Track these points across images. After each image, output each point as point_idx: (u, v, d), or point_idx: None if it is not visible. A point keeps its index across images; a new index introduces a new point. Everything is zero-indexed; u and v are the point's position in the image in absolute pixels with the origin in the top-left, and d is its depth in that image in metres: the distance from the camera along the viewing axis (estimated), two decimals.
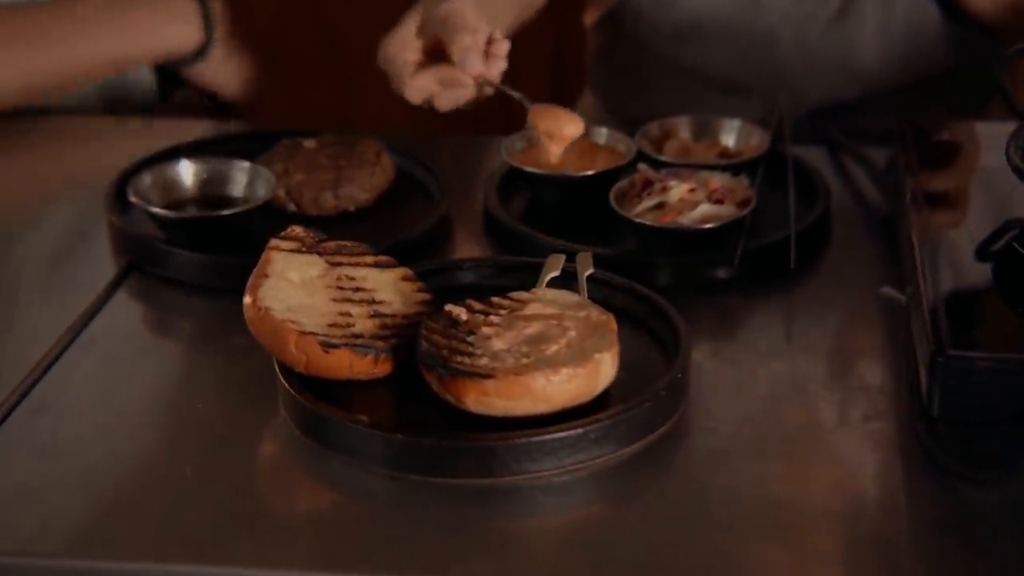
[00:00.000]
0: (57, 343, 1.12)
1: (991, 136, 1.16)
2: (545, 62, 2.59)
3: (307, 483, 1.00)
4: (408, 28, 1.27)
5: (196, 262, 1.20)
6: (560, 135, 1.23)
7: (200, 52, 1.51)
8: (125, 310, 1.19)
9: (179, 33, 1.50)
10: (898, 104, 1.42)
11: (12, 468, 1.00)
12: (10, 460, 1.01)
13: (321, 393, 1.02)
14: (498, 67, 1.22)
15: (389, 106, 2.85)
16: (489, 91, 1.24)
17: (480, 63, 1.20)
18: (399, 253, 1.13)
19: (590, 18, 1.67)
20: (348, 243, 1.11)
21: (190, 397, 1.07)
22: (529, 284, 1.11)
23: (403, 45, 1.26)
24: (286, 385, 1.02)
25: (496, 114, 2.76)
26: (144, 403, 1.08)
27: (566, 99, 1.98)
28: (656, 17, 1.53)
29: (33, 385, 1.07)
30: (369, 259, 1.10)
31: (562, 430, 0.97)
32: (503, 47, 1.22)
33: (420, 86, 1.24)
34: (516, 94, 1.23)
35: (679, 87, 1.53)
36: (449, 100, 1.24)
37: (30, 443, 1.02)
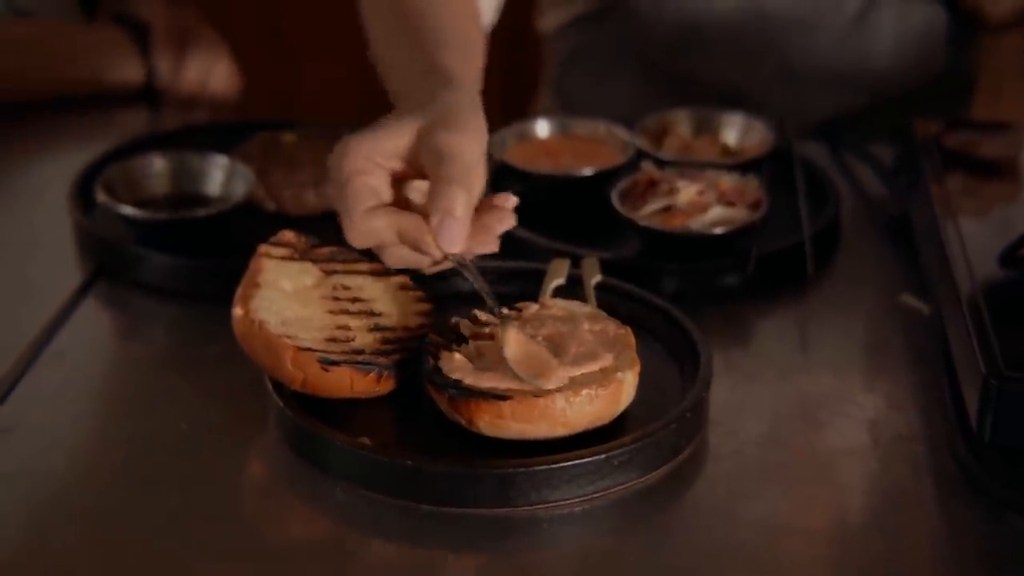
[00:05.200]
0: (22, 357, 1.03)
1: (1019, 138, 1.11)
2: (496, 68, 2.53)
3: (305, 512, 0.92)
4: (383, 140, 0.92)
5: (170, 266, 1.12)
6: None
7: (147, 83, 1.47)
8: (94, 319, 1.11)
9: (122, 68, 1.46)
10: (903, 108, 1.37)
11: None
12: None
13: (317, 412, 0.94)
14: (487, 245, 0.92)
15: (334, 93, 2.77)
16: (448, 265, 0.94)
17: (461, 244, 0.90)
18: None
19: (549, 23, 1.60)
20: (342, 249, 1.03)
21: (171, 416, 0.99)
22: (531, 291, 1.05)
23: (366, 162, 0.91)
24: (281, 404, 0.94)
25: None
26: (121, 422, 1.00)
27: (520, 102, 1.92)
28: (657, 21, 1.46)
29: None
30: (365, 266, 1.02)
31: (584, 456, 0.90)
32: (509, 220, 0.92)
33: (370, 230, 0.91)
34: (489, 298, 0.95)
35: (673, 93, 1.45)
36: (398, 260, 0.94)
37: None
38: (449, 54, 1.01)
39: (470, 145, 0.90)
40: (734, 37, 1.43)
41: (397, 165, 0.92)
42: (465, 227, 0.89)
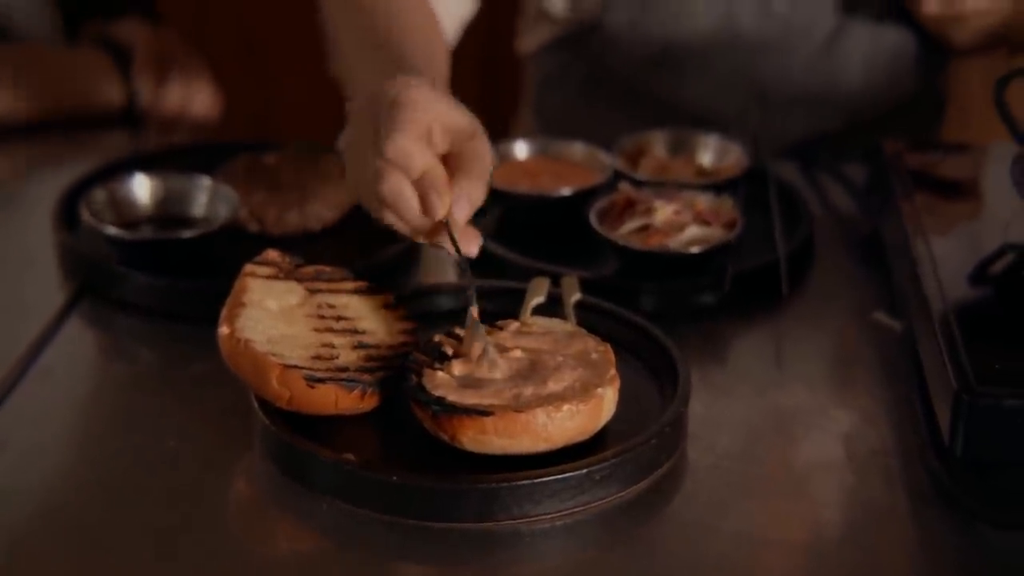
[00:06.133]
0: (8, 375, 1.04)
1: (984, 158, 1.14)
2: (472, 88, 2.55)
3: (291, 528, 0.93)
4: (453, 115, 0.98)
5: (155, 286, 1.13)
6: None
7: (129, 105, 1.49)
8: (79, 337, 1.12)
9: (103, 90, 1.48)
10: (875, 129, 1.40)
11: None
12: None
13: (302, 429, 0.95)
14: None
15: (312, 111, 2.79)
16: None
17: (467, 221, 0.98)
18: (370, 276, 1.07)
19: (528, 44, 1.62)
20: (327, 268, 1.04)
21: (156, 433, 1.00)
22: (511, 309, 1.06)
23: (427, 121, 0.97)
24: (266, 421, 0.95)
25: None
26: (107, 440, 1.00)
27: (496, 124, 1.94)
28: (633, 43, 1.48)
29: None
30: (349, 285, 1.04)
31: (565, 471, 0.91)
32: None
33: (408, 152, 0.95)
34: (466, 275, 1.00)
35: (649, 114, 1.47)
36: (393, 220, 0.98)
37: None
38: (417, 58, 1.06)
39: (487, 147, 0.99)
40: (708, 60, 1.46)
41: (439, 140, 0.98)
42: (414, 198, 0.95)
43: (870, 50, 1.46)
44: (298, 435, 0.94)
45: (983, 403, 0.88)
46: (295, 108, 2.64)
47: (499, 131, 1.78)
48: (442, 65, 1.12)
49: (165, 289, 1.13)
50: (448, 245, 0.97)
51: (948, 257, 1.04)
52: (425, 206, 0.95)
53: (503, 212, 1.25)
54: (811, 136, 1.45)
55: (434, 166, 0.96)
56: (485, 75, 2.49)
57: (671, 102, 1.49)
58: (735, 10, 1.44)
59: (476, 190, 0.98)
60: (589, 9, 1.49)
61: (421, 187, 0.96)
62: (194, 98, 1.51)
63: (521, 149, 1.30)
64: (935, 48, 1.47)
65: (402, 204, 0.95)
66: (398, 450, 0.96)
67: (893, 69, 1.48)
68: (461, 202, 0.97)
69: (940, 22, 1.39)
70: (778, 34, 1.45)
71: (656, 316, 1.08)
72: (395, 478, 0.91)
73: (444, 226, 0.97)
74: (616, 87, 1.51)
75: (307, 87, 2.68)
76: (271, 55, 2.60)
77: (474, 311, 0.98)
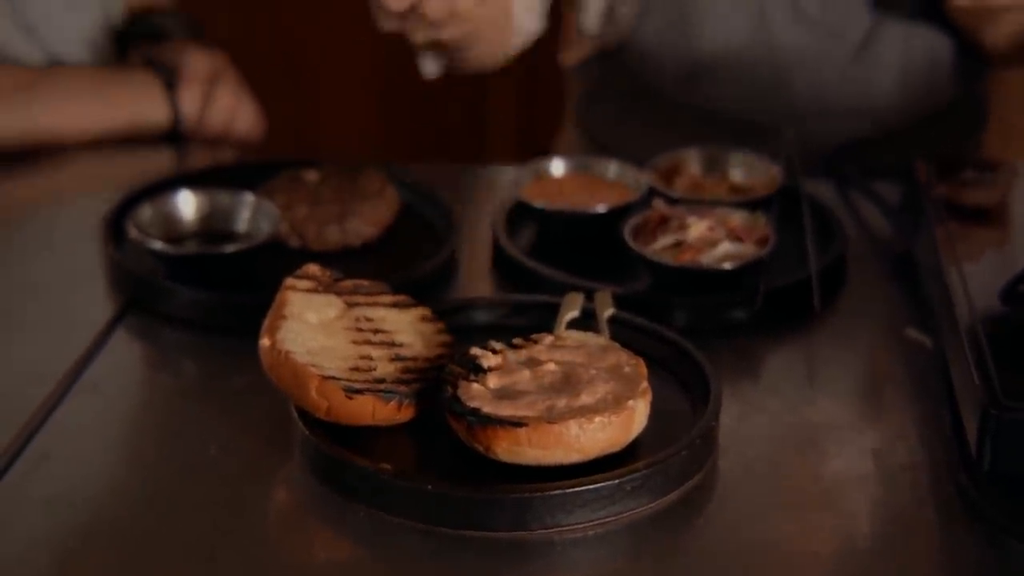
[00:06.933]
0: (57, 387, 1.07)
1: (1017, 179, 1.15)
2: (512, 103, 2.59)
3: (328, 536, 0.96)
4: None
5: (199, 300, 1.16)
6: None
7: (174, 125, 1.53)
8: (126, 351, 1.15)
9: (149, 109, 1.52)
10: (909, 137, 1.41)
11: (18, 520, 0.95)
12: (16, 512, 0.95)
13: (340, 439, 0.98)
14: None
15: (353, 130, 2.82)
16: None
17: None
18: (407, 291, 1.10)
19: (571, 58, 1.65)
20: (365, 282, 1.07)
21: (199, 443, 1.02)
22: (546, 323, 1.09)
23: None
24: (306, 431, 0.98)
25: (471, 141, 2.75)
26: (152, 450, 1.03)
27: (539, 138, 1.96)
28: (666, 57, 1.50)
29: (34, 433, 1.02)
30: (387, 299, 1.06)
31: (597, 481, 0.93)
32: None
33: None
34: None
35: (686, 127, 1.50)
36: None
37: (36, 494, 0.97)
38: None
39: None
40: (742, 71, 1.48)
41: None
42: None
43: (904, 55, 1.47)
44: (336, 445, 0.97)
45: (1010, 417, 0.89)
46: (335, 126, 2.69)
47: (541, 143, 1.81)
48: None
49: (209, 303, 1.16)
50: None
51: (978, 276, 1.05)
52: None
53: (539, 229, 1.28)
54: (846, 146, 1.47)
55: None
56: (527, 89, 2.52)
57: (706, 116, 1.51)
58: (767, 18, 1.46)
59: None
60: (622, 25, 1.51)
61: None
62: (238, 117, 1.54)
63: (557, 167, 1.32)
64: (971, 55, 1.48)
65: None
66: (434, 460, 0.98)
67: (928, 76, 1.49)
68: None
69: (972, 16, 1.39)
70: (810, 40, 1.46)
71: (689, 331, 1.09)
72: (430, 487, 0.93)
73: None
74: (653, 102, 1.53)
75: (347, 107, 2.74)
76: (312, 75, 2.65)
77: None
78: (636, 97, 1.56)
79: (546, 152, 1.46)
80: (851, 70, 1.48)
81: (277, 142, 1.66)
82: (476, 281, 1.25)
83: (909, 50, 1.48)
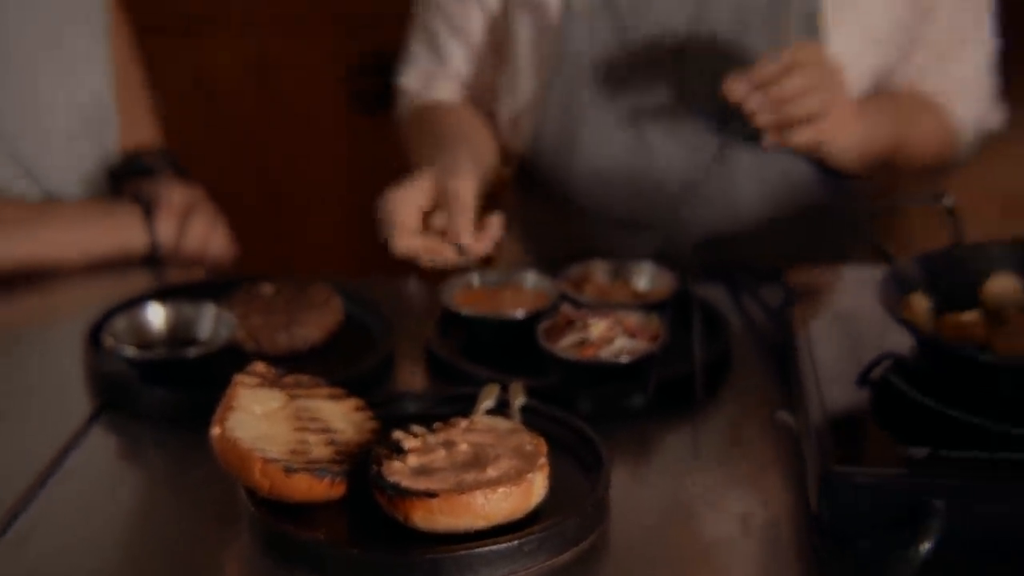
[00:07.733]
0: (39, 476, 1.23)
1: (863, 280, 1.34)
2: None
3: None
4: (413, 192, 1.46)
5: (166, 399, 1.32)
6: None
7: (152, 250, 1.72)
8: (101, 443, 1.31)
9: (131, 237, 1.71)
10: (778, 235, 1.59)
11: None
12: None
13: (282, 513, 1.13)
14: (484, 245, 1.44)
15: (326, 252, 2.99)
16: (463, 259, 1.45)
17: (469, 237, 1.44)
18: (349, 386, 1.26)
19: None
20: (305, 377, 1.24)
21: (164, 523, 1.18)
22: (467, 412, 1.24)
23: (404, 206, 1.45)
24: (252, 508, 1.14)
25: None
26: (123, 531, 1.18)
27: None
28: (561, 167, 1.73)
29: (17, 515, 1.18)
30: (324, 391, 1.23)
31: (499, 543, 1.09)
32: (496, 228, 1.45)
33: (407, 246, 1.45)
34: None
35: (587, 227, 1.73)
36: (431, 262, 1.46)
37: (18, 571, 1.11)
38: (460, 146, 1.62)
39: (467, 184, 1.46)
40: (627, 174, 1.71)
41: (424, 203, 1.47)
42: (471, 229, 1.44)
43: (757, 163, 1.68)
44: (278, 519, 1.12)
45: (838, 478, 1.06)
46: (313, 250, 2.89)
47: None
48: (484, 154, 1.66)
49: (174, 401, 1.32)
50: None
51: (827, 361, 1.23)
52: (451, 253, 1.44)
53: (467, 332, 1.45)
54: (714, 238, 1.69)
55: (428, 241, 1.46)
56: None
57: (601, 214, 1.74)
58: (645, 137, 1.68)
59: (461, 225, 1.44)
60: (522, 144, 1.76)
61: (430, 251, 1.46)
62: (211, 243, 1.73)
63: (486, 278, 1.50)
64: (830, 171, 1.67)
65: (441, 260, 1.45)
66: (363, 530, 1.13)
67: (784, 181, 1.70)
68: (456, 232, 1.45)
69: (808, 144, 1.56)
70: (678, 149, 1.68)
71: (592, 417, 1.25)
72: (356, 551, 1.09)
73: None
74: (558, 207, 1.77)
75: (324, 233, 2.93)
76: (291, 205, 2.85)
77: None
78: (546, 205, 1.79)
79: (489, 262, 1.65)
80: (714, 173, 1.68)
81: (258, 262, 1.83)
82: (413, 377, 1.41)
83: (763, 165, 1.68)
